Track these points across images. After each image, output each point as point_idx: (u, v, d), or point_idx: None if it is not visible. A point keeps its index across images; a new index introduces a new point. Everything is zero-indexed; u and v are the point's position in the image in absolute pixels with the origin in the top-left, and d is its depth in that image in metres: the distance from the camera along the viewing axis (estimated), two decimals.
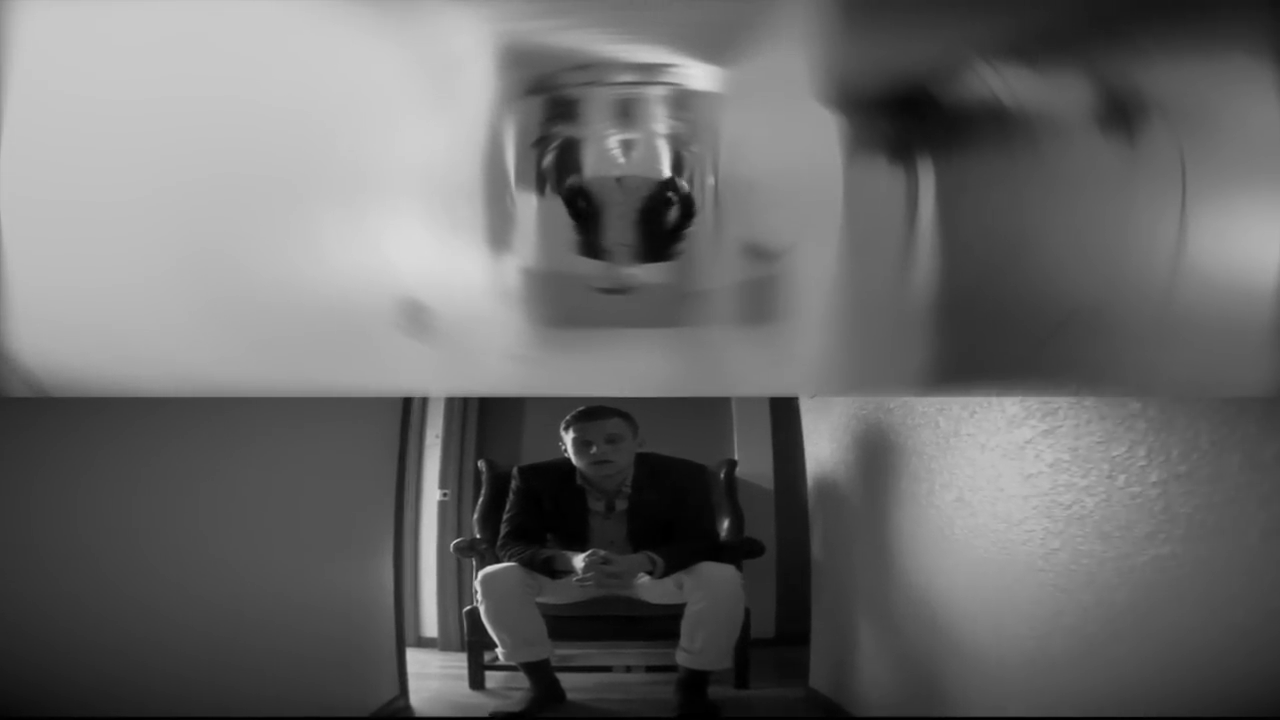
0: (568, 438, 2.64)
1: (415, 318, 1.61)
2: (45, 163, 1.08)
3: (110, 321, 1.16)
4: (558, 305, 1.87)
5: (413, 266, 1.70)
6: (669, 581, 2.47)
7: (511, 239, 1.91)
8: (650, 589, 2.53)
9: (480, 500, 3.05)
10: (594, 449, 2.57)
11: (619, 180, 1.79)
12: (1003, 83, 1.08)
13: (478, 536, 2.94)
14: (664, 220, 1.80)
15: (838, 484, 2.47)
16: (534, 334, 1.84)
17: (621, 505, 2.66)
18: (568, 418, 2.65)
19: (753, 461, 3.59)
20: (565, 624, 2.61)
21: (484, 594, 2.48)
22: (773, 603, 3.51)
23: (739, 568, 2.64)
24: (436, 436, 3.70)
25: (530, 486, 2.70)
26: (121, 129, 1.12)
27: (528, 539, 2.60)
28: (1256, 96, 0.94)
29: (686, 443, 3.16)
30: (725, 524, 3.07)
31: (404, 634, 2.59)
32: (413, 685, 2.62)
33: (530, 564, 2.50)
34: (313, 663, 1.98)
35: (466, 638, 2.76)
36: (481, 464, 3.15)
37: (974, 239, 1.17)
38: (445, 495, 3.66)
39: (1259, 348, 0.99)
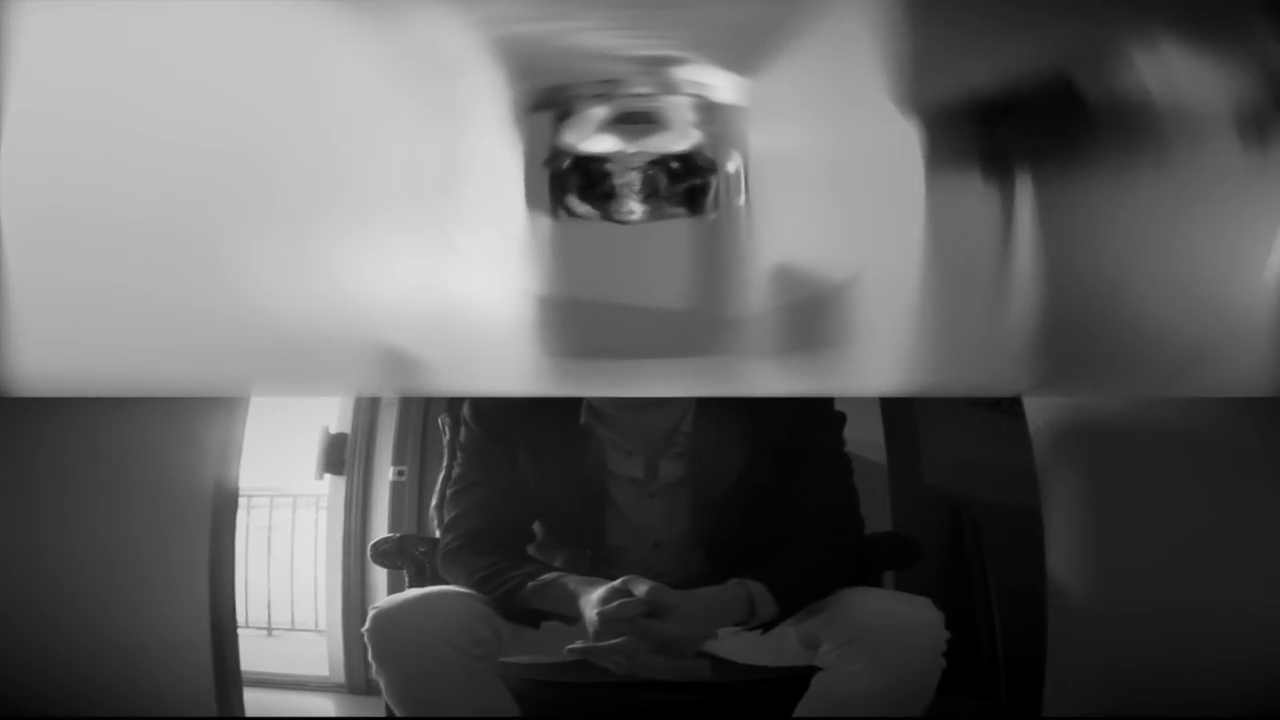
0: None
1: (406, 360, 1.49)
2: (41, 173, 1.08)
3: (100, 324, 1.12)
4: (576, 335, 1.80)
5: (412, 293, 1.65)
6: (788, 631, 1.29)
7: (525, 265, 1.85)
8: (743, 642, 1.31)
9: (442, 476, 1.84)
10: None
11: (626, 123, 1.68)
12: (1123, 78, 0.94)
13: (436, 535, 1.71)
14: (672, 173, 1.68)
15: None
16: (550, 365, 1.75)
17: (673, 470, 1.42)
18: None
19: (856, 423, 2.47)
20: (563, 695, 1.37)
21: (378, 655, 1.28)
22: None
23: (880, 585, 1.54)
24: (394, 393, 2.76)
25: (496, 432, 1.48)
26: (111, 155, 1.10)
27: (494, 534, 1.42)
28: None
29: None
30: None
31: (230, 673, 1.66)
32: None
33: (493, 590, 1.31)
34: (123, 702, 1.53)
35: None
36: (444, 420, 1.85)
37: (1080, 263, 1.02)
38: (401, 475, 2.58)
39: None
